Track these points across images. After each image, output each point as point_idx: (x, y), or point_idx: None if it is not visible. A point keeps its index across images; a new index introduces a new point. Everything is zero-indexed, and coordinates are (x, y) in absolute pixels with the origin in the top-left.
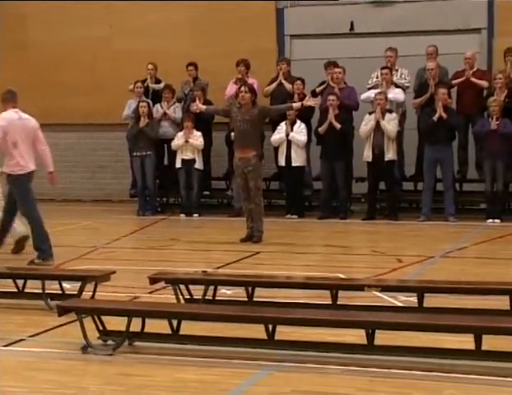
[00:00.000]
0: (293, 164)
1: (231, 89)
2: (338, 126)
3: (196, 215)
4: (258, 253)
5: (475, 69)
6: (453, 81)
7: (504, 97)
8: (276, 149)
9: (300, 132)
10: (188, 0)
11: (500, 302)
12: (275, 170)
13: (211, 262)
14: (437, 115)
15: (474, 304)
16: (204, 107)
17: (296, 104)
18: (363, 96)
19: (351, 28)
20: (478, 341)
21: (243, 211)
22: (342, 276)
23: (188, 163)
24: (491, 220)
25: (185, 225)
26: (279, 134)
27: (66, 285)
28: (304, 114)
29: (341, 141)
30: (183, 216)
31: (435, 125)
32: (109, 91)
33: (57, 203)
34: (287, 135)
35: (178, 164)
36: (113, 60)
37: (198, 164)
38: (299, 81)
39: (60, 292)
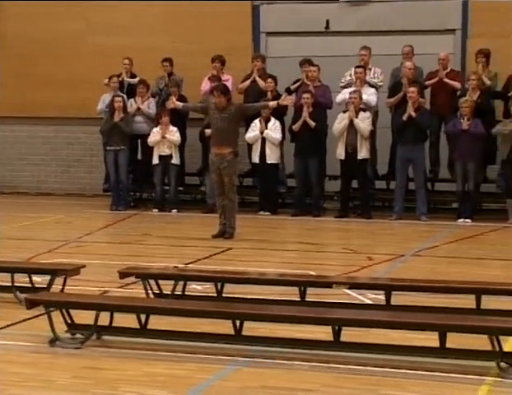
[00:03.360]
0: (267, 162)
1: (206, 85)
2: (313, 124)
3: (175, 210)
4: (229, 249)
5: (448, 70)
6: (427, 82)
7: (476, 98)
8: (249, 146)
9: (274, 130)
10: None
11: (467, 301)
12: (249, 167)
13: (182, 258)
14: (406, 114)
15: (442, 302)
16: (181, 104)
17: (272, 103)
18: (338, 99)
19: (327, 26)
20: (443, 339)
21: (216, 206)
22: (312, 273)
23: (165, 159)
24: (461, 220)
25: (158, 221)
26: (253, 131)
27: (36, 278)
28: (279, 112)
29: (315, 138)
30: (156, 211)
31: (404, 124)
32: (85, 85)
33: (30, 196)
34: (262, 132)
35: (155, 161)
36: (88, 54)
37: (175, 160)
38: (270, 79)
39: (30, 285)
